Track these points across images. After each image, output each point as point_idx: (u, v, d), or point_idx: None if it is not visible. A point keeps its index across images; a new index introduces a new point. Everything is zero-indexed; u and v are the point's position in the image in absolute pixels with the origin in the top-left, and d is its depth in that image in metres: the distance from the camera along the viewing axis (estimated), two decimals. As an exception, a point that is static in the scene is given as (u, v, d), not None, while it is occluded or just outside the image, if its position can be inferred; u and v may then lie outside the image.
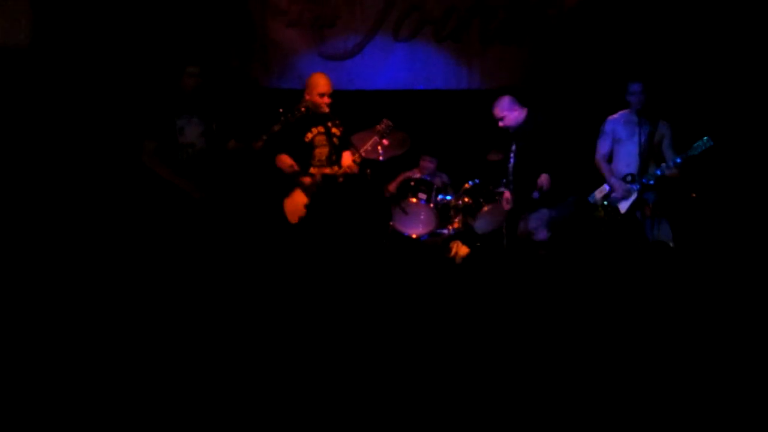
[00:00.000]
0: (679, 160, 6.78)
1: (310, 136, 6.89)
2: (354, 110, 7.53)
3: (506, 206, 7.55)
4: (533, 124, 7.39)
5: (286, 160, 6.79)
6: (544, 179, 7.26)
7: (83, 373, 4.77)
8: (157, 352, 5.09)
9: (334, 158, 7.01)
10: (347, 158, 6.98)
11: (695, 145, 6.71)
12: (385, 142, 7.14)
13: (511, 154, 7.52)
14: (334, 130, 6.98)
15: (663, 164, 6.88)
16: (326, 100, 6.83)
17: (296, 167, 6.79)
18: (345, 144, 7.08)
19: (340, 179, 6.86)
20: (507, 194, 7.53)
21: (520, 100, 7.86)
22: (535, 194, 7.25)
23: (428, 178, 8.28)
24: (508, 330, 5.67)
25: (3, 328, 5.61)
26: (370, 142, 7.04)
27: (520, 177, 7.43)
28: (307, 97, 6.85)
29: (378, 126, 7.06)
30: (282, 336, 5.39)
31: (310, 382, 4.59)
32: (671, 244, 7.00)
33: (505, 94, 7.52)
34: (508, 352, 5.15)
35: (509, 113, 7.40)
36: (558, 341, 5.33)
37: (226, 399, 4.37)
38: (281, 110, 6.56)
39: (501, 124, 7.43)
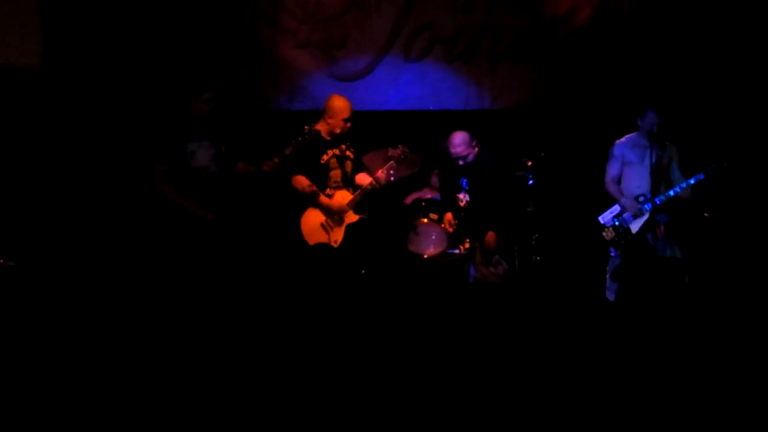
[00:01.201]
0: (693, 182, 6.77)
1: (325, 158, 6.91)
2: (364, 131, 7.54)
3: (450, 229, 7.69)
4: (483, 160, 7.47)
5: (302, 181, 6.81)
6: (491, 239, 7.42)
7: (92, 381, 4.83)
8: (171, 370, 5.10)
9: (348, 179, 7.06)
10: (366, 178, 7.01)
11: (708, 168, 6.71)
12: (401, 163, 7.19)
13: (464, 191, 7.59)
14: (348, 153, 7.02)
15: (676, 186, 6.87)
16: (348, 125, 6.88)
17: (314, 187, 6.81)
18: (357, 166, 7.11)
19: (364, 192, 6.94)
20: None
21: (532, 121, 7.92)
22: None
23: (439, 198, 8.28)
24: (515, 348, 5.67)
25: (28, 340, 5.65)
26: (386, 167, 7.04)
27: (475, 213, 7.57)
28: (330, 121, 6.86)
29: (393, 152, 7.06)
30: (294, 354, 5.40)
31: (321, 397, 4.61)
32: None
33: (458, 130, 7.53)
34: (515, 369, 5.16)
35: (472, 150, 7.42)
36: (565, 361, 5.34)
37: (245, 414, 4.39)
38: (293, 141, 6.59)
39: (462, 162, 7.47)
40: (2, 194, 7.50)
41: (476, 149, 7.45)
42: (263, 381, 4.96)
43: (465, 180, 7.62)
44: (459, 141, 7.42)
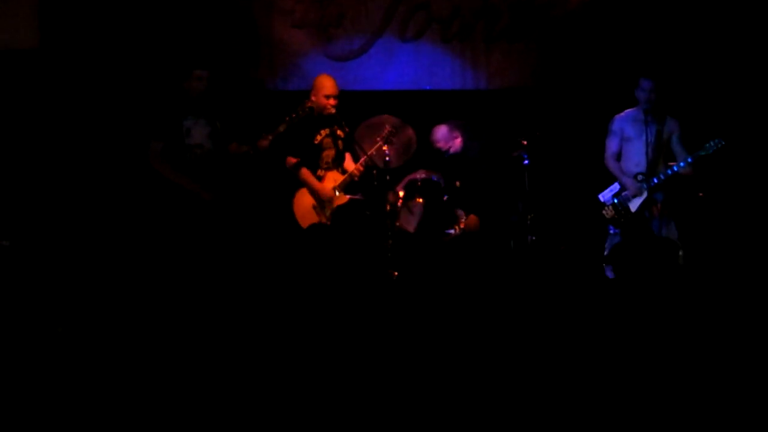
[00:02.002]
0: (690, 160, 6.77)
1: (319, 138, 6.94)
2: (360, 111, 7.54)
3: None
4: (469, 149, 7.53)
5: (291, 159, 6.85)
6: (472, 223, 7.50)
7: (89, 373, 4.80)
8: (164, 353, 5.08)
9: (341, 160, 7.09)
10: (351, 162, 7.08)
11: (707, 144, 6.70)
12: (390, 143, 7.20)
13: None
14: (339, 132, 7.03)
15: (675, 164, 6.87)
16: (332, 102, 6.90)
17: (294, 160, 6.85)
18: (350, 146, 7.14)
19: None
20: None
21: (528, 101, 7.92)
22: None
23: (435, 179, 8.26)
24: (513, 328, 5.67)
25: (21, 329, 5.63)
26: (375, 147, 7.08)
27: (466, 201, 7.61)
28: (314, 98, 6.90)
29: (382, 132, 7.11)
30: (288, 337, 5.39)
31: (315, 382, 4.60)
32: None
33: (438, 124, 7.73)
34: (512, 350, 5.15)
35: (453, 141, 7.55)
36: (562, 341, 5.34)
37: (231, 400, 4.37)
38: (287, 119, 6.61)
39: (446, 155, 7.68)
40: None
41: (458, 140, 7.58)
42: (254, 357, 4.96)
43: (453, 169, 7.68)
44: (439, 136, 7.70)
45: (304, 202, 6.93)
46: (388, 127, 7.14)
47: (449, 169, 7.69)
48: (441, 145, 7.60)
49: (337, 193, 6.99)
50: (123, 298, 6.31)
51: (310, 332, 5.43)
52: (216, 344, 5.21)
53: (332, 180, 7.01)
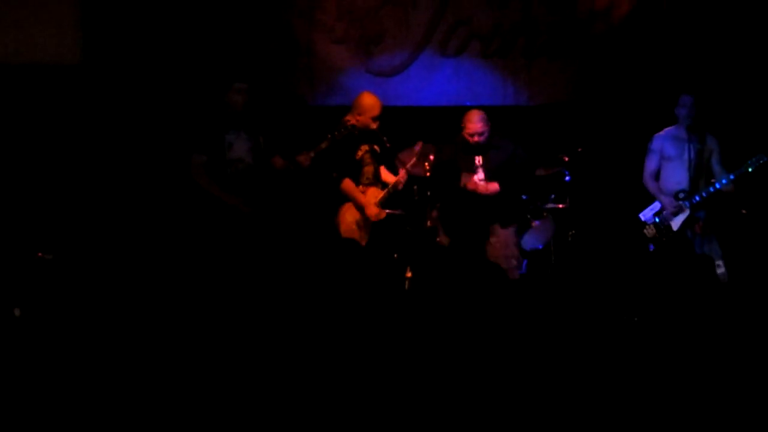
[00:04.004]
0: (733, 177, 6.71)
1: (359, 153, 6.97)
2: (401, 126, 7.55)
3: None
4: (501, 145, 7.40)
5: (333, 175, 6.90)
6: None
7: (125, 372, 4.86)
8: (200, 362, 5.12)
9: (379, 175, 7.12)
10: (388, 175, 7.11)
11: (749, 161, 6.64)
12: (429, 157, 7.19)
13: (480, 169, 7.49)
14: (375, 147, 7.06)
15: (717, 181, 6.81)
16: (378, 122, 6.93)
17: (336, 174, 6.89)
18: (387, 161, 7.17)
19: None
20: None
21: (569, 116, 7.87)
22: None
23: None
24: (551, 343, 5.65)
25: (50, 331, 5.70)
26: (410, 163, 7.07)
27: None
28: (360, 118, 6.91)
29: (415, 147, 7.11)
30: (328, 348, 5.40)
31: (330, 391, 4.62)
32: (720, 262, 6.92)
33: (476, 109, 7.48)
34: (547, 364, 5.13)
35: (487, 127, 7.34)
36: (597, 356, 5.31)
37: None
38: (329, 136, 6.64)
39: (478, 138, 7.33)
40: (41, 188, 7.57)
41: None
42: (292, 364, 4.99)
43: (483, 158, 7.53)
44: (479, 117, 7.36)
45: (348, 217, 6.96)
46: (419, 144, 7.13)
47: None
48: (479, 126, 7.32)
49: (380, 209, 7.01)
50: (161, 309, 6.36)
51: (340, 345, 5.44)
52: (251, 354, 5.25)
53: (373, 196, 7.03)
